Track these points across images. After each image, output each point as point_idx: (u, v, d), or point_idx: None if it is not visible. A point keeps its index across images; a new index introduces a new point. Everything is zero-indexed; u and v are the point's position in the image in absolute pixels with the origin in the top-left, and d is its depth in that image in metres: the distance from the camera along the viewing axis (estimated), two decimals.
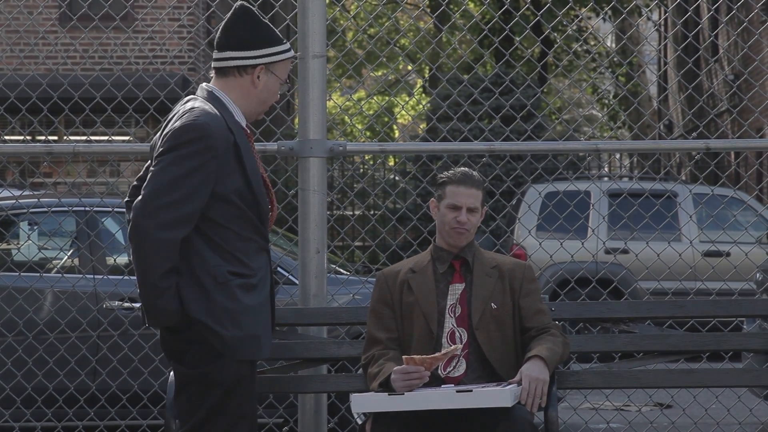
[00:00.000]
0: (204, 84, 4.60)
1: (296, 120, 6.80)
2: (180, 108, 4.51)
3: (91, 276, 7.93)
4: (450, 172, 5.12)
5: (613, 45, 33.91)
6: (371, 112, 31.25)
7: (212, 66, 4.61)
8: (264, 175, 4.62)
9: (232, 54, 4.53)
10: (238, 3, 4.61)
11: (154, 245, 4.29)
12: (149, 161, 4.53)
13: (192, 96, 4.59)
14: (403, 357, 4.72)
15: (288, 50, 4.61)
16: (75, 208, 8.13)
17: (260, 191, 4.49)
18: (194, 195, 4.33)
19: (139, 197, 4.34)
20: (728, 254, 9.71)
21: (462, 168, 5.14)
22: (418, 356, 4.69)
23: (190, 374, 4.42)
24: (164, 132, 4.44)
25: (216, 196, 4.40)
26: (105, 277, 7.92)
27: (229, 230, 4.42)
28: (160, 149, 4.38)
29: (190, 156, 4.33)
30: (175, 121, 4.42)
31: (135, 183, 4.57)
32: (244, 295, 4.42)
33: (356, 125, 31.26)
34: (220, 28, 4.61)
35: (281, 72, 4.60)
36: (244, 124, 4.56)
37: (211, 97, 4.52)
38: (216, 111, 4.45)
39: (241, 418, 4.47)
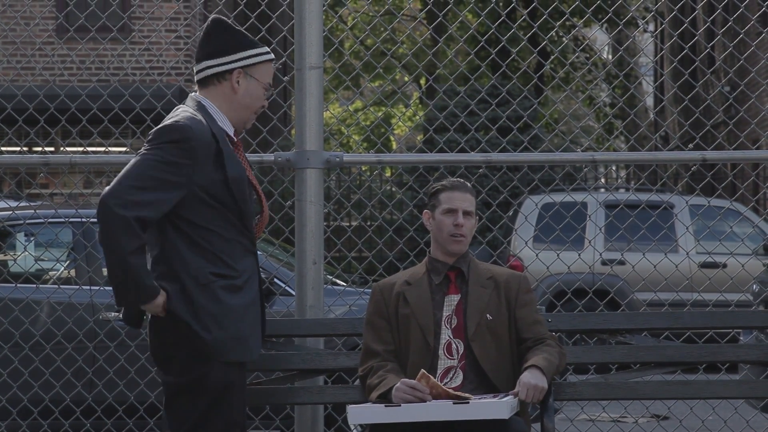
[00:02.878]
0: (192, 93, 4.63)
1: (293, 131, 6.80)
2: (168, 117, 4.55)
3: (88, 287, 7.92)
4: (441, 182, 5.16)
5: (610, 56, 33.97)
6: (368, 123, 31.29)
7: (195, 80, 4.63)
8: (254, 182, 4.63)
9: (209, 63, 4.58)
10: (211, 16, 4.64)
11: (117, 222, 4.30)
12: None
13: (181, 105, 4.62)
14: (422, 371, 4.72)
15: (266, 53, 4.63)
16: (72, 219, 8.12)
17: (242, 196, 4.51)
18: (162, 185, 4.36)
19: (110, 184, 4.39)
20: (725, 266, 9.71)
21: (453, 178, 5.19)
22: (434, 380, 4.69)
23: (179, 383, 4.43)
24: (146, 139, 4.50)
25: (196, 199, 4.42)
26: (101, 288, 7.91)
27: (214, 232, 4.45)
28: (142, 147, 4.45)
29: (167, 152, 4.38)
30: (153, 130, 4.48)
31: None
32: (227, 296, 4.43)
33: (353, 136, 31.28)
34: (198, 43, 4.65)
35: (262, 76, 4.61)
36: (231, 131, 4.58)
37: (197, 106, 4.56)
38: (201, 118, 4.48)
39: (232, 425, 4.48)
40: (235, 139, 4.60)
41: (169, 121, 4.46)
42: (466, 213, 5.05)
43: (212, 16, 4.65)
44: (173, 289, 4.39)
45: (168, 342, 4.43)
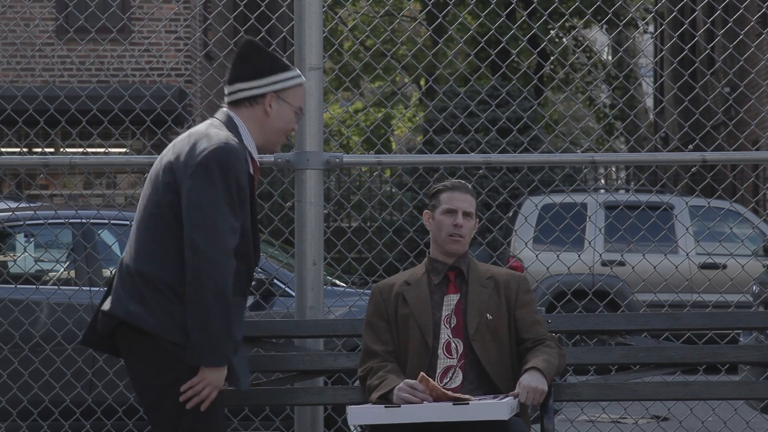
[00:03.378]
0: (224, 108, 4.60)
1: (293, 132, 6.77)
2: (207, 132, 4.48)
3: (88, 288, 7.92)
4: (442, 183, 5.16)
5: (610, 57, 33.97)
6: (368, 124, 31.29)
7: (225, 101, 4.61)
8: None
9: (242, 86, 4.57)
10: (244, 38, 4.64)
11: (227, 273, 4.30)
12: (157, 172, 4.50)
13: (215, 119, 4.58)
14: (422, 373, 4.72)
15: (297, 76, 4.65)
16: (71, 220, 8.12)
17: (256, 226, 4.53)
18: (236, 216, 4.37)
19: (194, 226, 4.30)
20: (725, 267, 9.71)
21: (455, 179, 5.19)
22: (433, 382, 4.69)
23: (158, 383, 4.39)
24: (192, 153, 4.40)
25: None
26: (101, 289, 7.91)
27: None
28: (195, 176, 4.35)
29: (225, 181, 4.34)
30: (204, 144, 4.40)
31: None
32: None
33: (353, 137, 31.28)
34: (230, 64, 4.64)
35: (293, 99, 4.62)
36: (255, 153, 4.59)
37: (229, 123, 4.54)
38: (236, 138, 4.48)
39: (219, 411, 4.48)
40: (257, 163, 4.61)
41: (213, 144, 4.38)
42: (466, 214, 5.06)
43: (245, 37, 4.65)
44: (174, 304, 4.39)
45: (147, 348, 4.42)
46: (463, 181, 5.16)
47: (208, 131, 4.48)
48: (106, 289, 4.63)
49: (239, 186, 4.39)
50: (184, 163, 4.39)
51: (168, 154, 4.52)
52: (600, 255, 10.86)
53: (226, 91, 4.62)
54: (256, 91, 4.56)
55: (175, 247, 4.38)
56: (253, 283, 4.87)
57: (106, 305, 4.48)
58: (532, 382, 4.75)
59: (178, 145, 4.50)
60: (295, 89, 4.62)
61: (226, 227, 4.32)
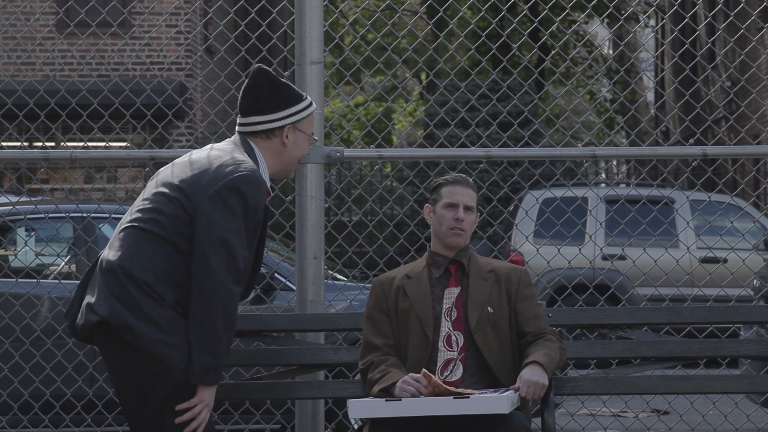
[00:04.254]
0: (246, 137, 4.58)
1: None
2: (234, 156, 4.46)
3: None
4: (443, 177, 5.16)
5: (611, 52, 33.95)
6: (369, 118, 31.27)
7: (238, 131, 4.60)
8: None
9: (258, 119, 4.55)
10: (255, 66, 4.61)
11: (236, 299, 4.35)
12: (166, 184, 4.47)
13: (234, 144, 4.56)
14: (423, 370, 4.72)
15: (310, 105, 4.65)
16: (72, 214, 8.12)
17: (260, 260, 4.55)
18: (247, 245, 4.41)
19: (212, 248, 4.30)
20: (725, 261, 9.70)
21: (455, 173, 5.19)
22: (435, 378, 4.69)
23: (141, 384, 4.37)
24: (217, 175, 4.39)
25: None
26: None
27: None
28: (216, 198, 4.33)
29: (243, 211, 4.36)
30: (230, 169, 4.39)
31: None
32: None
33: (354, 131, 31.28)
34: (241, 92, 4.61)
35: (307, 127, 4.64)
36: (268, 183, 4.59)
37: (250, 151, 4.53)
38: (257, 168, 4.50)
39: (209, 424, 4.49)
40: (270, 193, 4.61)
41: (240, 171, 4.38)
42: (467, 208, 5.07)
43: (255, 65, 4.61)
44: (163, 308, 4.39)
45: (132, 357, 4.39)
46: (464, 175, 5.16)
47: (235, 155, 4.46)
48: (83, 279, 4.58)
49: (255, 217, 4.40)
50: (206, 183, 4.37)
51: (181, 170, 4.48)
52: (601, 249, 10.86)
53: (239, 121, 4.59)
54: (274, 125, 4.56)
55: (162, 256, 4.36)
56: None
57: (90, 299, 4.45)
58: (532, 376, 4.76)
59: (197, 164, 4.46)
60: (309, 117, 4.64)
61: (242, 255, 4.34)
